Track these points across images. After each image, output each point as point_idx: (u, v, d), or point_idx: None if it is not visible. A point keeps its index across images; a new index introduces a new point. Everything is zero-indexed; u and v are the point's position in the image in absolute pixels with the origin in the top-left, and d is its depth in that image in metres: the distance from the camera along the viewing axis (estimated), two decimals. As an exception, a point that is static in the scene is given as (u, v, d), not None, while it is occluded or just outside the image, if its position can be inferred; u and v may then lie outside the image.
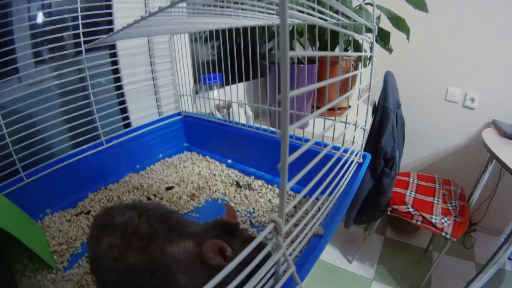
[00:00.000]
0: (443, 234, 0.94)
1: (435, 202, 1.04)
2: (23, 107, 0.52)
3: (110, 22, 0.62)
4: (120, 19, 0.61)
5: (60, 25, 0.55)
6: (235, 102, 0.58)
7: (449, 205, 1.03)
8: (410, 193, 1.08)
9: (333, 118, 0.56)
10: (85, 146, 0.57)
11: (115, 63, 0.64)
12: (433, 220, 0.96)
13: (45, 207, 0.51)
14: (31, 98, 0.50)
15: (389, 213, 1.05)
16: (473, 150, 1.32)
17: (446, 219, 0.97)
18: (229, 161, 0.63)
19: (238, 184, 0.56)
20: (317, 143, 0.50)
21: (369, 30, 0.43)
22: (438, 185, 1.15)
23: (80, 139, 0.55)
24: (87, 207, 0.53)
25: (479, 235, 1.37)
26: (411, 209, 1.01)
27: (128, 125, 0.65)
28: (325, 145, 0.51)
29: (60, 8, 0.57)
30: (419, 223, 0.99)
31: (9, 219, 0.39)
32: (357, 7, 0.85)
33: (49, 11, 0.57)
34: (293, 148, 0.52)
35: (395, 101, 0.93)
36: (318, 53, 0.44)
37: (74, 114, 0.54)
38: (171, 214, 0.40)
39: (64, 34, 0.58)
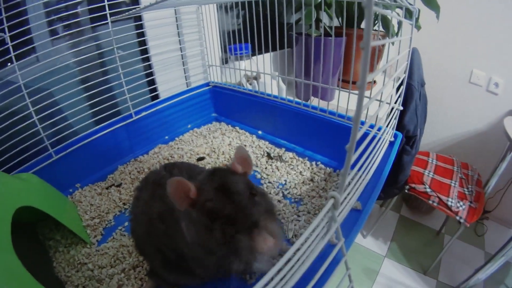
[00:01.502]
0: (457, 218, 0.95)
1: (452, 185, 1.03)
2: (45, 85, 0.51)
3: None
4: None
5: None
6: (268, 73, 0.57)
7: (465, 189, 1.03)
8: (429, 173, 1.08)
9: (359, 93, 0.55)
10: (115, 119, 0.57)
11: (141, 34, 0.63)
12: (449, 203, 0.96)
13: (75, 181, 0.52)
14: (53, 76, 0.50)
15: (406, 191, 1.06)
16: (494, 137, 1.29)
17: (461, 203, 0.97)
18: (260, 132, 0.63)
19: (269, 156, 0.56)
20: (349, 119, 0.49)
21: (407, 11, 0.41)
22: (456, 168, 1.14)
23: (109, 112, 0.55)
24: (118, 179, 0.53)
25: (491, 224, 1.37)
26: (428, 190, 1.01)
27: (156, 96, 0.65)
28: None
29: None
30: (435, 204, 0.99)
31: (40, 197, 0.39)
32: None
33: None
34: (322, 121, 0.52)
35: (419, 78, 0.91)
36: (382, 42, 0.42)
37: (101, 88, 0.54)
38: (196, 167, 0.39)
39: (87, 8, 0.56)
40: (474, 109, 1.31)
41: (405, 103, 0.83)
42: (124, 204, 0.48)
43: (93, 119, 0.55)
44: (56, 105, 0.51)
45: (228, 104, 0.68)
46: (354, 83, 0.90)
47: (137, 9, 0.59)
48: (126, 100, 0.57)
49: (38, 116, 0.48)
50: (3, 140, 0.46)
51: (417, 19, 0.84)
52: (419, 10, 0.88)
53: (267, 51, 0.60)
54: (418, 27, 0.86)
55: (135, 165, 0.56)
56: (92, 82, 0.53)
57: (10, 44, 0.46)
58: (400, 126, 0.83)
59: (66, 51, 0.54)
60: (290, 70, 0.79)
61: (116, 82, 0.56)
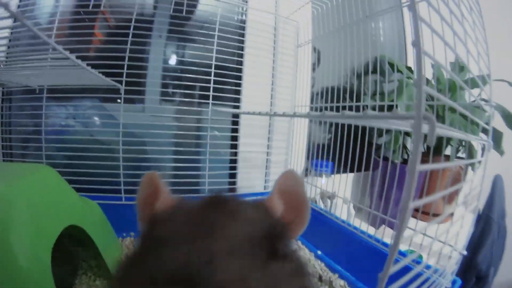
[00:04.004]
0: None
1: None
2: (141, 134, 0.62)
3: (239, 83, 0.71)
4: (247, 90, 0.71)
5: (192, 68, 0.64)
6: (340, 197, 0.62)
7: None
8: (496, 317, 0.94)
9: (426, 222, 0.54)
10: (193, 195, 0.63)
11: (235, 130, 0.71)
12: None
13: (131, 230, 0.57)
14: (150, 131, 0.60)
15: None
16: None
17: None
18: (319, 252, 0.66)
19: (320, 278, 0.58)
20: (401, 253, 0.49)
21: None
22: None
23: (188, 187, 0.62)
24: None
25: None
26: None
27: (233, 189, 0.73)
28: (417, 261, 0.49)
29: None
30: None
31: (95, 225, 0.42)
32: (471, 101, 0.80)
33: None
34: (381, 255, 0.52)
35: (500, 210, 0.84)
36: (445, 165, 0.43)
37: (186, 164, 0.62)
38: None
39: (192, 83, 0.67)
40: None
41: (481, 239, 0.77)
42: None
43: (174, 188, 0.64)
44: (140, 160, 0.60)
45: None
46: (435, 215, 0.85)
47: (238, 111, 0.70)
48: (204, 182, 0.64)
49: (125, 164, 0.56)
50: (88, 165, 0.54)
51: (499, 144, 0.80)
52: (501, 135, 0.83)
53: (345, 171, 0.65)
54: (501, 152, 0.82)
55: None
56: (180, 157, 0.63)
57: (122, 95, 0.60)
58: (471, 264, 0.76)
59: (170, 113, 0.66)
60: (364, 194, 0.81)
61: (201, 165, 0.64)
